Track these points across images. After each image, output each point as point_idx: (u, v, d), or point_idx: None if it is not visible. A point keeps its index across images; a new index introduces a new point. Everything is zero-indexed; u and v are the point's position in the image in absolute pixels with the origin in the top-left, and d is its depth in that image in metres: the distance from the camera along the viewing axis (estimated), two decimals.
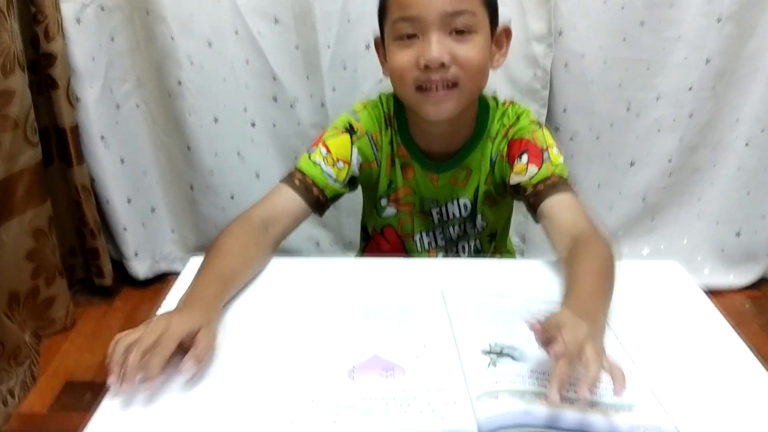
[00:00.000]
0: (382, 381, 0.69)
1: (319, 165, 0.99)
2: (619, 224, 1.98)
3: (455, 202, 1.09)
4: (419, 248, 1.14)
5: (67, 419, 1.41)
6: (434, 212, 1.10)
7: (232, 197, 1.90)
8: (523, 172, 1.00)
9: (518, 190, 1.02)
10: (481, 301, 0.83)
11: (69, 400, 1.49)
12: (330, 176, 1.00)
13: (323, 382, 0.69)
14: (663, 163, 1.91)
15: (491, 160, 1.05)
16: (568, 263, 0.85)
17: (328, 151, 1.00)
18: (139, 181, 1.89)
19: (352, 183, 1.06)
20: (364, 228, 1.24)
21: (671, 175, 1.93)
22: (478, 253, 1.16)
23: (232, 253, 0.86)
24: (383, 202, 1.10)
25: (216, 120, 1.82)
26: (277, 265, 0.94)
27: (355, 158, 1.02)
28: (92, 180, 1.79)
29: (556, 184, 0.98)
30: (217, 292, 0.79)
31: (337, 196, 1.03)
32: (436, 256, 1.15)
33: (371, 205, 1.14)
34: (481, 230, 1.12)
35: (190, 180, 1.90)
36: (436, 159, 1.06)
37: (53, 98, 1.66)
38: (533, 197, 0.99)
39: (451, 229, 1.12)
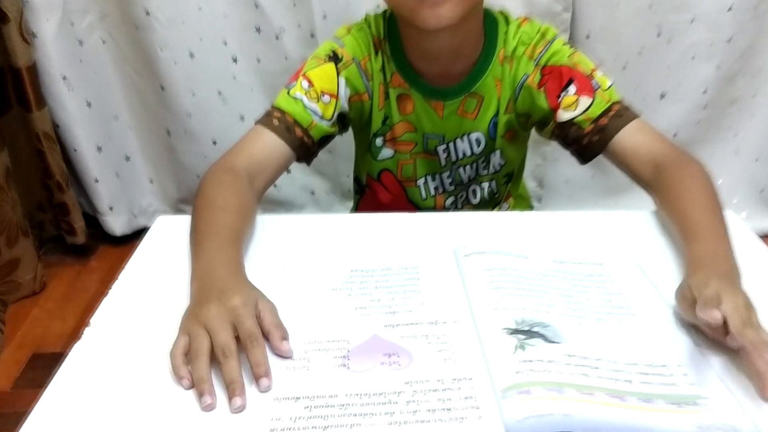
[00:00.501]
0: (384, 370, 0.58)
1: (301, 101, 0.88)
2: None
3: (465, 138, 0.97)
4: (424, 194, 1.03)
5: (33, 397, 1.28)
6: (440, 151, 0.99)
7: (215, 143, 1.82)
8: (574, 106, 0.89)
9: (566, 130, 0.91)
10: (503, 265, 0.72)
11: (36, 375, 1.43)
12: (315, 113, 0.89)
13: (310, 373, 0.58)
14: (697, 95, 1.82)
15: (515, 85, 0.93)
16: (664, 196, 0.81)
17: (311, 83, 0.89)
18: (109, 126, 1.80)
19: (341, 122, 0.95)
20: (357, 180, 1.13)
21: (706, 107, 1.84)
22: (494, 197, 1.05)
23: (232, 210, 0.77)
24: (378, 141, 0.99)
25: (192, 55, 1.72)
26: (263, 223, 0.83)
27: (343, 90, 0.92)
28: (56, 126, 1.70)
29: (621, 113, 0.88)
30: (238, 253, 0.70)
31: (325, 139, 0.93)
32: (444, 204, 1.05)
33: (364, 147, 1.03)
34: (497, 170, 1.02)
35: (166, 124, 1.81)
36: (439, 84, 0.94)
37: (4, 34, 1.53)
38: (597, 135, 0.88)
39: (461, 170, 1.01)
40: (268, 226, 0.83)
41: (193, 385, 0.56)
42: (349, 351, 0.61)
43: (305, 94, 0.89)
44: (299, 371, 0.58)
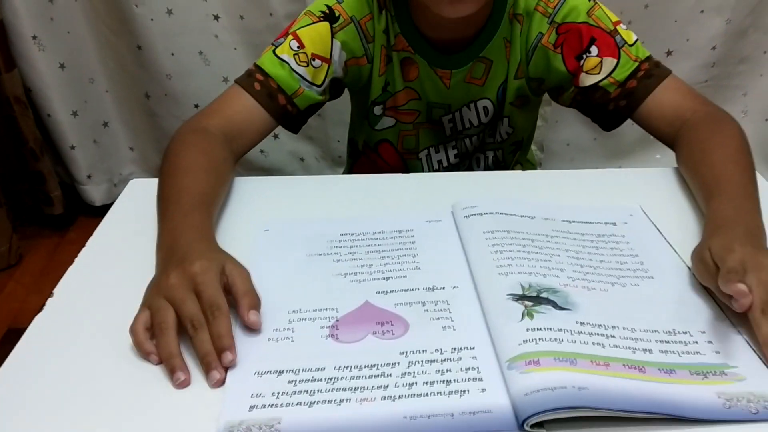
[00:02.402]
0: (377, 341, 0.54)
1: (288, 64, 0.81)
2: None
3: (472, 107, 0.91)
4: (426, 168, 0.98)
5: None
6: (445, 121, 0.92)
7: (197, 106, 1.77)
8: (597, 68, 0.83)
9: (590, 95, 0.85)
10: (506, 226, 0.67)
11: (11, 350, 1.35)
12: (303, 79, 0.82)
13: (294, 344, 0.54)
14: (705, 51, 1.79)
15: (527, 46, 0.86)
16: (688, 150, 0.76)
17: (301, 44, 0.82)
18: (84, 90, 1.76)
19: (334, 88, 0.88)
20: (352, 142, 1.07)
21: (714, 65, 1.81)
22: (498, 166, 1.00)
23: (202, 170, 0.71)
24: (377, 110, 0.92)
25: (170, 12, 1.67)
26: (244, 185, 0.79)
27: (338, 54, 0.84)
28: (28, 90, 1.67)
29: (650, 72, 0.82)
30: (205, 217, 0.65)
31: (314, 107, 0.86)
32: None
33: (361, 114, 0.96)
34: (504, 138, 0.96)
35: (145, 87, 1.78)
36: (447, 51, 0.87)
37: None
38: (624, 99, 0.82)
39: (466, 140, 0.95)
40: (250, 188, 0.79)
41: (161, 362, 0.51)
42: (337, 320, 0.56)
43: (293, 56, 0.82)
44: (282, 343, 0.54)
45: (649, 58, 0.83)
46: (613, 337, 0.52)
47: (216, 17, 1.69)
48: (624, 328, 0.53)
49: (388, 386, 0.48)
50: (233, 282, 0.55)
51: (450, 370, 0.50)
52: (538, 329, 0.51)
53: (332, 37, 0.83)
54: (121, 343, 0.54)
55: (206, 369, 0.50)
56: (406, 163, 0.97)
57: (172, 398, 0.49)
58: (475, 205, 0.71)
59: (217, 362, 0.50)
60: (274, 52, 0.82)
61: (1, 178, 1.67)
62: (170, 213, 0.64)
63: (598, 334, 0.52)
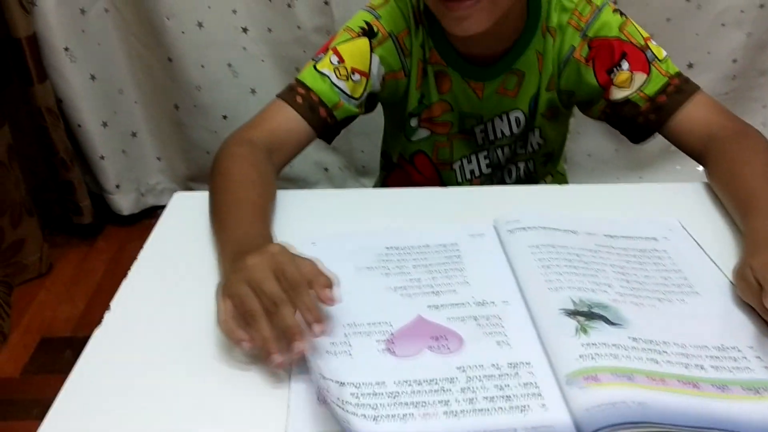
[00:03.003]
0: (433, 355, 0.54)
1: (328, 77, 0.83)
2: None
3: (504, 118, 0.92)
4: (460, 178, 0.98)
5: (43, 383, 1.28)
6: (477, 131, 0.94)
7: (225, 117, 1.79)
8: (628, 83, 0.83)
9: (619, 109, 0.85)
10: (551, 241, 0.68)
11: (46, 360, 1.39)
12: (342, 92, 0.83)
13: (353, 359, 0.54)
14: (726, 64, 1.77)
15: (559, 59, 0.87)
16: (718, 167, 0.76)
17: (341, 59, 0.84)
18: (114, 101, 1.77)
19: (369, 102, 0.89)
20: (385, 155, 1.08)
21: (735, 78, 1.80)
22: (529, 177, 1.00)
23: (253, 182, 0.73)
24: (413, 122, 0.93)
25: (200, 25, 1.68)
26: (286, 198, 0.80)
27: (376, 69, 0.86)
28: (59, 101, 1.67)
29: (680, 87, 0.82)
30: (266, 227, 0.67)
31: (349, 119, 0.87)
32: (481, 185, 0.99)
33: (397, 127, 0.97)
34: (535, 150, 0.96)
35: (175, 98, 1.78)
36: (478, 63, 0.88)
37: (2, 3, 1.49)
38: (654, 113, 0.83)
39: (498, 151, 0.96)
40: (292, 201, 0.79)
41: (253, 347, 0.52)
42: (392, 334, 0.57)
43: (333, 70, 0.83)
44: (341, 357, 0.54)
45: (678, 74, 0.83)
46: (666, 353, 0.53)
47: (245, 30, 1.69)
48: (675, 344, 0.54)
49: (449, 401, 0.49)
50: (304, 264, 0.55)
51: (509, 386, 0.51)
52: (593, 344, 0.52)
53: (371, 52, 0.85)
54: (182, 353, 0.55)
55: (291, 338, 0.51)
56: (440, 174, 0.98)
57: (238, 404, 0.50)
58: (517, 219, 0.71)
59: (301, 333, 0.51)
60: (314, 67, 0.84)
61: (32, 187, 1.67)
62: (230, 224, 0.66)
63: (651, 350, 0.53)
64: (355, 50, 0.84)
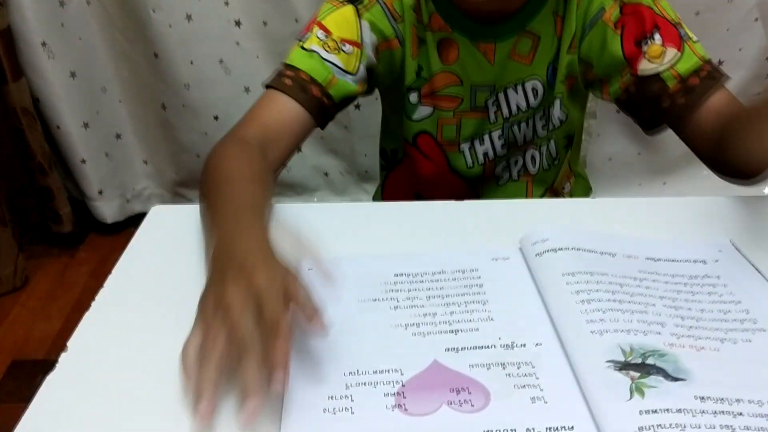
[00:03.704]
0: (453, 414, 0.46)
1: (317, 53, 0.80)
2: None
3: (519, 89, 0.86)
4: (469, 161, 0.92)
5: (13, 411, 1.20)
6: (490, 105, 0.88)
7: (216, 118, 1.78)
8: (661, 57, 0.78)
9: (646, 85, 0.80)
10: (587, 266, 0.60)
11: (16, 385, 1.36)
12: (335, 66, 0.80)
13: (355, 417, 0.46)
14: (759, 62, 1.76)
15: (585, 19, 0.82)
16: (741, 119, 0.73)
17: (327, 32, 0.81)
18: (97, 100, 1.76)
19: (369, 79, 0.85)
20: (383, 153, 1.03)
21: None
22: (554, 163, 0.94)
23: (247, 180, 0.69)
24: (413, 98, 0.88)
25: (189, 18, 1.68)
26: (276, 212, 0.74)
27: (368, 36, 0.82)
28: (36, 101, 1.67)
29: (713, 74, 0.78)
30: (260, 224, 0.61)
31: (348, 99, 0.84)
32: (494, 172, 0.93)
33: (396, 111, 0.92)
34: (556, 126, 0.90)
35: (162, 97, 1.77)
36: (487, 22, 0.83)
37: None
38: (684, 96, 0.78)
39: (515, 128, 0.90)
40: (283, 216, 0.72)
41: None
42: (403, 385, 0.49)
43: (322, 45, 0.80)
44: (341, 415, 0.46)
45: (710, 60, 0.79)
46: (741, 415, 0.45)
47: (237, 23, 1.69)
48: (750, 402, 0.46)
49: None
50: (294, 291, 0.50)
51: None
52: (653, 411, 0.44)
53: (359, 18, 0.82)
54: (152, 387, 0.51)
55: (245, 396, 0.45)
56: (447, 157, 0.93)
57: None
58: (546, 238, 0.64)
59: (259, 391, 0.44)
60: (301, 47, 0.81)
61: (7, 194, 1.66)
62: (221, 221, 0.62)
63: (723, 412, 0.45)
64: (341, 20, 0.81)
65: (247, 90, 1.75)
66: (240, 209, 0.62)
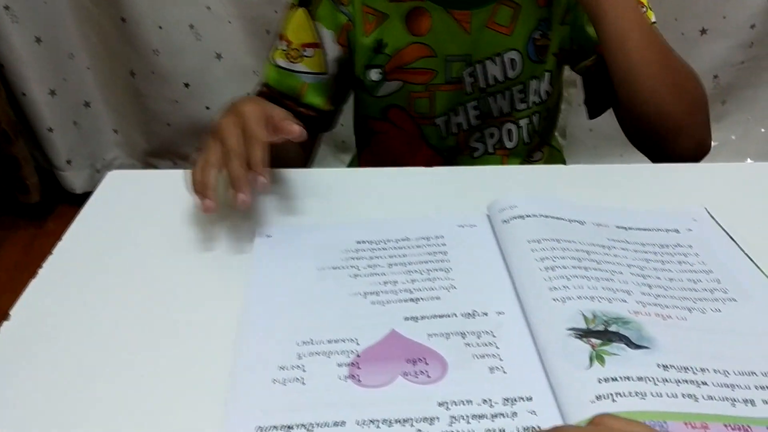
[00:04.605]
0: (408, 385, 0.45)
1: (283, 68, 0.85)
2: None
3: (498, 60, 0.84)
4: (444, 133, 0.90)
5: None
6: (466, 76, 0.85)
7: (187, 85, 1.74)
8: None
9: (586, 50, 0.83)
10: (553, 234, 0.59)
11: None
12: (303, 73, 0.84)
13: (306, 388, 0.45)
14: (743, 30, 1.75)
15: None
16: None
17: (288, 42, 0.85)
18: (64, 66, 1.73)
19: (347, 71, 0.87)
20: (357, 129, 1.01)
21: (752, 45, 1.77)
22: (533, 138, 0.92)
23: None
24: (374, 75, 0.86)
25: None
26: None
27: (325, 33, 0.84)
28: (0, 66, 1.64)
29: None
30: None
31: (336, 97, 0.88)
32: (468, 143, 0.91)
33: (360, 87, 0.91)
34: (543, 100, 0.89)
35: (130, 64, 1.74)
36: None
37: None
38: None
39: (491, 99, 0.88)
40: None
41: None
42: (358, 356, 0.47)
43: (285, 56, 0.84)
44: (291, 386, 0.45)
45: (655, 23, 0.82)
46: (705, 384, 0.43)
47: None
48: (716, 371, 0.45)
49: None
50: (272, 115, 0.62)
51: (504, 430, 0.41)
52: (613, 379, 0.42)
53: (313, 20, 0.83)
54: (96, 357, 0.49)
55: (235, 189, 0.58)
56: (421, 129, 0.91)
57: (168, 406, 0.44)
58: (514, 205, 0.62)
59: (246, 185, 0.58)
60: (271, 63, 0.85)
61: None
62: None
63: (687, 381, 0.43)
64: (297, 26, 0.84)
65: (218, 56, 1.73)
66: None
